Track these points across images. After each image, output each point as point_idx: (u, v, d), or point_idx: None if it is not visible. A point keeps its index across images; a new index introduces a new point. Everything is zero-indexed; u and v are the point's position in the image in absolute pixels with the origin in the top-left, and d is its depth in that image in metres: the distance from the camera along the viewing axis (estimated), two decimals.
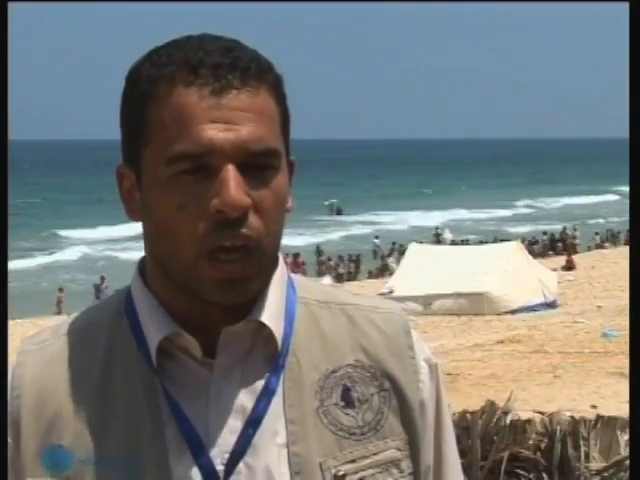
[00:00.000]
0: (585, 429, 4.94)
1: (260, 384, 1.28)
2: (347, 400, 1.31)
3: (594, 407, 10.23)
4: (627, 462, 4.74)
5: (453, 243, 39.56)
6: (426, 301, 22.22)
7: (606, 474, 4.90)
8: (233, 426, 1.26)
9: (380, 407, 1.32)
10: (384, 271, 34.33)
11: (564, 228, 43.92)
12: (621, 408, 8.30)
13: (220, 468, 1.25)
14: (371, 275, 35.15)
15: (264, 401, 1.27)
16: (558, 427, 4.97)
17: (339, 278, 33.68)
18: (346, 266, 36.57)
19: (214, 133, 1.19)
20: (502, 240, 32.09)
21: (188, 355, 1.27)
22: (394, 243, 38.72)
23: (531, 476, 4.99)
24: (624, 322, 15.60)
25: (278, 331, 1.29)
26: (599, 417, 5.07)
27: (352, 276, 35.52)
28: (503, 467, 4.95)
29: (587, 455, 4.93)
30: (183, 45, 1.24)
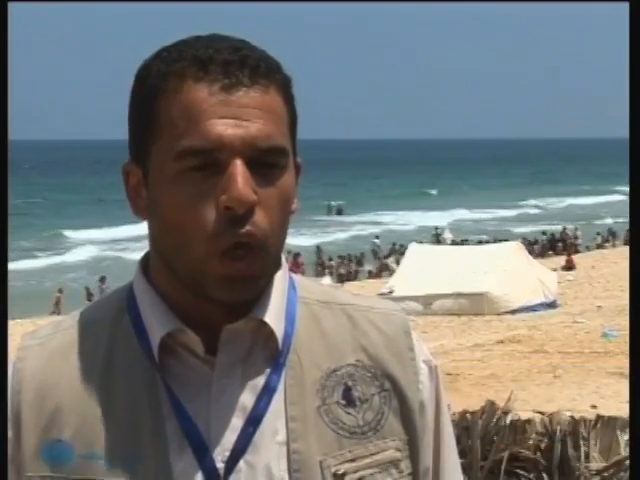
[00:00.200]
0: (585, 429, 4.95)
1: (261, 382, 1.28)
2: (348, 399, 1.31)
3: (594, 407, 10.22)
4: (627, 462, 4.74)
5: (453, 243, 39.54)
6: (426, 301, 22.23)
7: (606, 474, 4.91)
8: (234, 424, 1.26)
9: (380, 407, 1.32)
10: (384, 271, 34.32)
11: (564, 228, 43.88)
12: (621, 408, 8.30)
13: (220, 466, 1.25)
14: (371, 275, 35.14)
15: (265, 399, 1.27)
16: (558, 427, 4.97)
17: (339, 278, 33.68)
18: (346, 266, 36.55)
19: (223, 129, 1.19)
20: (502, 240, 32.05)
21: (190, 352, 1.27)
22: (394, 244, 38.69)
23: (531, 476, 4.99)
24: (624, 322, 15.60)
25: (278, 329, 1.29)
26: (599, 417, 5.07)
27: (352, 276, 35.50)
28: (503, 467, 4.95)
29: (587, 455, 4.93)
30: (193, 43, 1.24)
